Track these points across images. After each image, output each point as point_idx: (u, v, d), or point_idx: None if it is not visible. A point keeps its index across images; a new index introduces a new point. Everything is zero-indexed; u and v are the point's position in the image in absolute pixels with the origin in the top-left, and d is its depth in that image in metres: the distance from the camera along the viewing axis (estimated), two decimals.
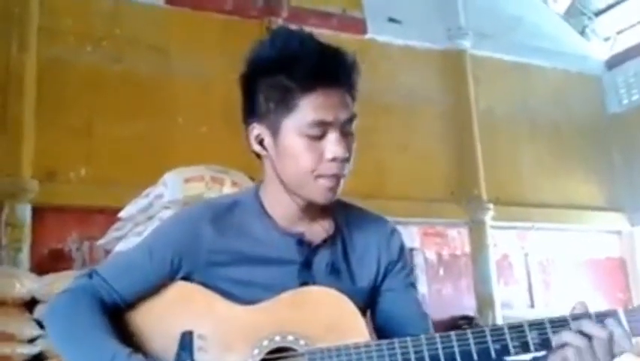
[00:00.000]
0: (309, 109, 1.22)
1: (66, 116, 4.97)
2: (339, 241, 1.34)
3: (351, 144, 1.27)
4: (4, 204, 4.61)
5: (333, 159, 1.23)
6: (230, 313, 1.24)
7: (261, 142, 1.28)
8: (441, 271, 6.37)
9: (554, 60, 7.50)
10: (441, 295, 6.19)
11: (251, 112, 1.29)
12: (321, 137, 1.23)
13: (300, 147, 1.23)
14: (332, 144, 1.23)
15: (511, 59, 7.23)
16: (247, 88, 1.29)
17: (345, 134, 1.26)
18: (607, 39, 8.00)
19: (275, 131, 1.25)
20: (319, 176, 1.23)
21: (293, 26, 1.32)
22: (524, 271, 6.80)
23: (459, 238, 6.54)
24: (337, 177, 1.25)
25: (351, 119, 1.27)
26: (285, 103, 1.22)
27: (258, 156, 1.33)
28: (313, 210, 1.32)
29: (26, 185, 4.68)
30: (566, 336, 1.10)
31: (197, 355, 1.21)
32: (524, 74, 7.28)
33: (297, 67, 1.21)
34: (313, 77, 1.21)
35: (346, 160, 1.25)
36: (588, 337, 1.09)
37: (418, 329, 1.27)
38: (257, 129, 1.29)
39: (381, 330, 1.34)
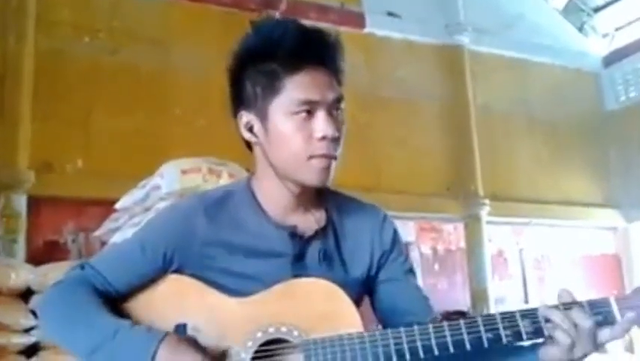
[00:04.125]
0: (295, 89, 1.22)
1: (63, 107, 4.96)
2: (331, 232, 1.34)
3: (340, 124, 1.26)
4: (0, 194, 4.61)
5: (323, 138, 1.23)
6: (223, 306, 1.25)
7: (250, 129, 1.29)
8: (436, 266, 6.39)
9: (552, 56, 7.51)
10: (435, 289, 6.21)
11: (238, 101, 1.30)
12: (309, 117, 1.23)
13: (289, 129, 1.23)
14: (321, 123, 1.23)
15: (509, 55, 7.24)
16: (234, 79, 1.30)
17: (334, 114, 1.26)
18: (605, 36, 8.00)
19: (263, 116, 1.25)
20: (311, 157, 1.23)
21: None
22: (519, 267, 6.82)
23: (454, 233, 6.56)
24: (329, 157, 1.25)
25: (338, 100, 1.27)
26: (272, 86, 1.23)
27: (249, 146, 1.33)
28: (305, 199, 1.32)
29: (22, 176, 4.67)
30: (554, 316, 1.11)
31: None
32: (522, 70, 7.29)
33: (280, 50, 1.22)
34: (297, 57, 1.22)
35: (336, 140, 1.25)
36: (575, 324, 1.10)
37: (421, 316, 1.28)
38: (245, 117, 1.29)
39: (385, 320, 1.34)
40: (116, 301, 1.29)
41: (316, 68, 1.24)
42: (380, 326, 1.28)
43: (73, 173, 4.91)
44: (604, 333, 1.11)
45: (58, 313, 1.27)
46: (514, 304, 6.46)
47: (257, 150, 1.31)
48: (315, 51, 1.25)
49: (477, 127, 6.73)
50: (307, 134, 1.23)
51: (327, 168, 1.25)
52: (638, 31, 7.65)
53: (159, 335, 1.17)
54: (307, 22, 1.31)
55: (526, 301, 6.61)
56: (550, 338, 1.12)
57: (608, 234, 7.47)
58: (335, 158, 1.26)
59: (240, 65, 1.28)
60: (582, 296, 1.16)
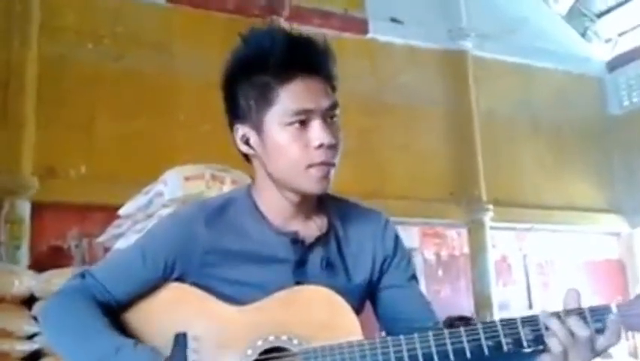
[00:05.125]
0: (288, 99, 1.22)
1: (67, 113, 4.98)
2: (333, 238, 1.33)
3: (336, 131, 1.25)
4: (3, 200, 4.62)
5: (320, 146, 1.22)
6: (223, 314, 1.24)
7: (247, 142, 1.28)
8: (439, 272, 6.38)
9: (555, 62, 7.51)
10: (439, 295, 6.20)
11: (234, 114, 1.29)
12: (304, 126, 1.22)
13: (285, 139, 1.22)
14: (316, 131, 1.22)
15: (512, 60, 7.24)
16: (227, 93, 1.30)
17: (329, 122, 1.25)
18: (608, 41, 8.00)
19: (259, 128, 1.25)
20: (309, 166, 1.23)
21: (291, 25, 1.33)
22: (523, 273, 6.80)
23: (458, 239, 6.55)
24: (327, 165, 1.24)
25: (333, 107, 1.26)
26: (265, 98, 1.23)
27: (247, 158, 1.33)
28: (306, 207, 1.32)
29: (26, 181, 4.69)
30: (552, 324, 1.10)
31: (191, 356, 1.20)
32: (525, 75, 7.29)
33: (270, 61, 1.22)
34: (287, 66, 1.22)
35: (333, 147, 1.24)
36: (571, 332, 1.09)
37: (424, 322, 1.27)
38: (241, 130, 1.28)
39: (388, 327, 1.33)
40: (116, 311, 1.29)
41: (308, 76, 1.23)
42: (384, 334, 1.27)
43: (76, 178, 4.92)
44: (600, 340, 1.11)
45: (59, 326, 1.27)
46: (518, 309, 6.44)
47: (255, 161, 1.31)
48: (305, 59, 1.24)
49: (480, 132, 6.73)
50: (304, 144, 1.22)
51: (326, 176, 1.25)
52: None
53: (161, 358, 1.17)
54: (310, 29, 1.32)
55: (530, 307, 6.60)
56: (547, 346, 1.12)
57: (611, 239, 7.46)
58: (333, 165, 1.25)
59: (232, 78, 1.28)
60: (585, 302, 1.15)
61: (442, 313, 5.99)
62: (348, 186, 1.39)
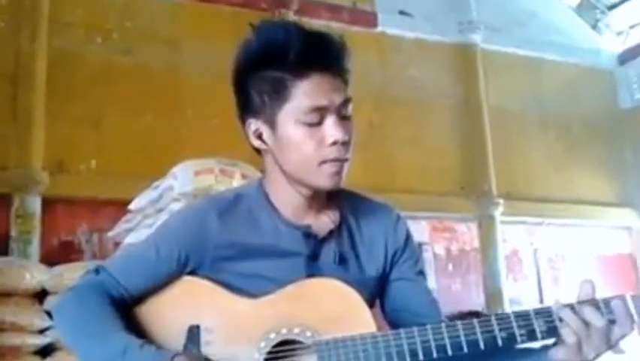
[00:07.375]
0: (302, 96, 1.21)
1: (76, 107, 4.99)
2: (346, 232, 1.33)
3: (349, 127, 1.25)
4: (14, 195, 4.64)
5: (334, 143, 1.22)
6: (236, 307, 1.24)
7: (259, 137, 1.28)
8: (450, 266, 6.36)
9: (566, 54, 7.46)
10: (449, 290, 6.18)
11: (246, 109, 1.28)
12: (318, 123, 1.22)
13: (299, 136, 1.22)
14: (330, 128, 1.22)
15: (522, 53, 7.20)
16: (239, 86, 1.29)
17: (343, 117, 1.25)
18: (620, 33, 7.94)
19: (272, 124, 1.24)
20: (322, 162, 1.23)
21: (299, 19, 1.32)
22: (534, 267, 6.78)
23: (468, 233, 6.53)
24: (340, 161, 1.24)
25: (346, 102, 1.25)
26: (279, 94, 1.22)
27: (259, 152, 1.32)
28: (318, 201, 1.32)
29: (36, 176, 4.71)
30: (565, 315, 1.10)
31: (204, 348, 1.21)
32: (535, 68, 7.25)
33: (285, 56, 1.20)
34: (302, 63, 1.21)
35: (347, 143, 1.24)
36: (586, 323, 1.08)
37: (428, 318, 1.27)
38: (254, 125, 1.28)
39: (393, 319, 1.33)
40: (130, 305, 1.29)
41: (322, 73, 1.22)
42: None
43: (86, 173, 4.94)
44: (614, 331, 1.10)
45: (71, 322, 1.27)
46: (529, 304, 6.41)
47: (267, 156, 1.31)
48: (323, 56, 1.23)
49: (490, 126, 6.71)
50: (318, 141, 1.22)
51: (339, 172, 1.25)
52: None
53: (168, 355, 1.17)
54: (319, 22, 1.31)
55: (541, 302, 6.57)
56: (561, 337, 1.11)
57: (622, 233, 7.41)
58: (347, 160, 1.25)
59: (244, 72, 1.27)
60: (598, 296, 1.14)
61: (452, 308, 6.03)
62: (357, 180, 1.38)
